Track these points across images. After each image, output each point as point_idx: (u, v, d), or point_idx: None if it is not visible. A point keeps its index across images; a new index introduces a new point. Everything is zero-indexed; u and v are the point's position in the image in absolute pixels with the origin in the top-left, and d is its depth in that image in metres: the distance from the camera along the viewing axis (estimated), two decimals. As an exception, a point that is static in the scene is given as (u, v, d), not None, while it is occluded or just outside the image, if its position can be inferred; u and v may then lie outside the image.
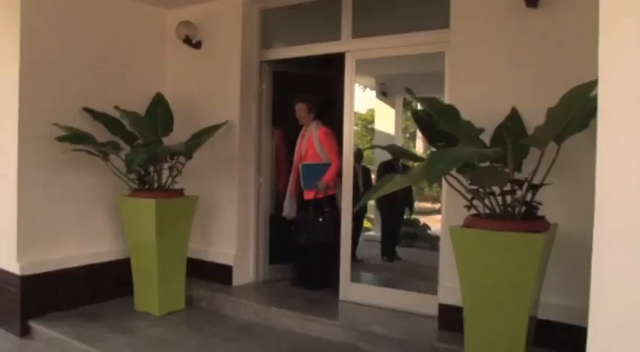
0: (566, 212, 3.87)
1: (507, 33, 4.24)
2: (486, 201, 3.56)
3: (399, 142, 7.21)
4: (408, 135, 7.62)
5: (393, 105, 7.22)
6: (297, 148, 5.91)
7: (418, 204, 7.42)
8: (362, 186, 6.25)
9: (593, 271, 2.00)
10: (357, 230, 6.10)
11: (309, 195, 5.78)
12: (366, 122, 7.17)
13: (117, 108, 5.31)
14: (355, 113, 5.53)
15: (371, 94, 6.93)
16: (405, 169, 6.21)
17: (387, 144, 4.21)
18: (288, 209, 5.95)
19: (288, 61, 6.03)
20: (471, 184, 3.59)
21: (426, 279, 5.22)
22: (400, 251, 6.75)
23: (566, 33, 3.99)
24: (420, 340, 4.36)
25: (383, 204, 6.77)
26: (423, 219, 6.99)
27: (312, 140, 5.80)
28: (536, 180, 3.54)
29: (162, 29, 6.28)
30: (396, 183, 3.11)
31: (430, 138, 4.02)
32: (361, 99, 6.19)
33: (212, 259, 5.98)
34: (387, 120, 7.17)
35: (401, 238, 6.98)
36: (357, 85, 5.53)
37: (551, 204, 3.73)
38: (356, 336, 4.64)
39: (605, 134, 1.99)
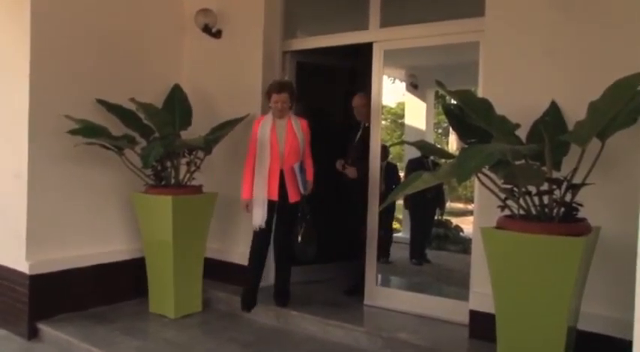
0: (611, 214, 3.76)
1: (547, 20, 4.13)
2: (521, 202, 3.47)
3: (431, 138, 7.11)
4: (440, 131, 7.52)
5: (424, 99, 7.12)
6: (269, 141, 5.12)
7: (450, 205, 7.31)
8: (384, 184, 6.15)
9: (638, 279, 1.93)
10: (386, 230, 6.04)
11: (295, 197, 5.23)
12: (396, 116, 7.08)
13: (133, 100, 5.30)
14: (384, 107, 5.45)
15: (400, 87, 6.84)
16: (436, 167, 6.12)
17: (416, 140, 4.14)
18: (261, 218, 5.17)
19: (312, 51, 5.98)
20: (504, 183, 3.51)
21: (456, 284, 5.14)
22: (430, 254, 6.65)
23: (613, 19, 3.87)
24: (448, 349, 4.30)
25: (410, 203, 6.68)
26: (455, 221, 6.89)
27: (293, 132, 5.18)
28: (577, 180, 3.44)
29: (181, 17, 6.27)
30: (424, 180, 3.05)
31: (462, 134, 3.94)
32: (390, 92, 6.11)
33: (231, 260, 5.96)
34: (417, 114, 7.07)
35: (431, 240, 6.89)
36: (385, 77, 5.47)
37: (593, 206, 3.62)
38: (381, 343, 4.58)
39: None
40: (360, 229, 5.53)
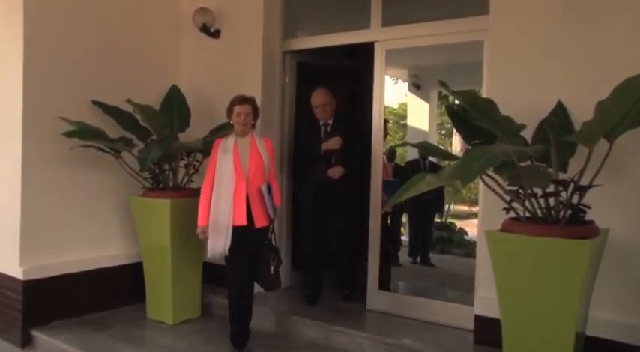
0: (620, 216, 3.73)
1: (553, 18, 4.10)
2: (527, 204, 3.45)
3: (434, 139, 7.08)
4: (443, 132, 7.49)
5: (427, 100, 7.09)
6: (232, 162, 4.67)
7: (454, 207, 7.28)
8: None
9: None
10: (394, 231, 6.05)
11: (262, 222, 4.73)
12: (399, 117, 7.06)
13: (129, 101, 5.28)
14: (386, 107, 5.43)
15: (403, 87, 6.82)
16: (433, 168, 6.07)
17: (418, 142, 4.12)
18: (223, 246, 4.65)
19: (313, 52, 5.96)
20: (509, 185, 3.48)
21: (461, 289, 5.11)
22: (434, 257, 6.63)
23: (620, 17, 3.85)
24: (453, 355, 4.27)
25: (408, 206, 6.64)
26: (459, 224, 6.86)
27: (257, 152, 4.75)
28: (585, 181, 3.41)
29: (178, 17, 6.25)
30: (427, 183, 3.03)
31: (465, 135, 3.92)
32: (392, 92, 6.09)
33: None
34: (420, 115, 7.04)
35: (434, 243, 6.86)
36: (387, 78, 5.44)
37: (601, 208, 3.58)
38: (384, 349, 4.56)
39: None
40: (349, 231, 5.56)
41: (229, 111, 4.80)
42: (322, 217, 5.62)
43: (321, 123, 5.61)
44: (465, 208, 7.18)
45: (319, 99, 5.55)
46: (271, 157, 4.85)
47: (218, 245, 4.64)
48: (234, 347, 4.72)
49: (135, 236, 5.56)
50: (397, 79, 6.57)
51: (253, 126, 4.88)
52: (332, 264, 5.78)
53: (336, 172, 5.47)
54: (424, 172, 3.15)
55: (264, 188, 4.71)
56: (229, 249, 4.62)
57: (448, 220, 7.23)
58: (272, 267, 4.74)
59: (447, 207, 7.25)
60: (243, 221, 4.61)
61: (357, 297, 5.55)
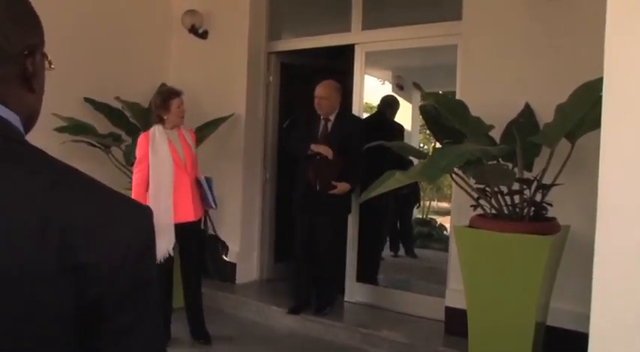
0: (581, 214, 3.78)
1: (522, 24, 4.18)
2: (493, 201, 3.51)
3: (417, 139, 7.14)
4: (427, 132, 7.55)
5: (410, 100, 7.15)
6: (170, 155, 4.33)
7: (438, 204, 7.35)
8: None
9: (595, 275, 1.97)
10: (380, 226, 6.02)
11: (200, 213, 4.51)
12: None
13: (118, 98, 5.32)
14: (372, 108, 5.47)
15: (388, 88, 6.87)
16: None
17: (395, 141, 4.17)
18: (167, 244, 4.25)
19: (298, 53, 6.01)
20: (477, 183, 3.55)
21: (437, 282, 5.16)
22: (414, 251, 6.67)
23: (584, 23, 3.91)
24: (424, 344, 4.34)
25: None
26: (440, 220, 6.92)
27: (187, 144, 4.48)
28: (548, 180, 3.48)
29: (168, 18, 6.28)
30: (397, 180, 3.09)
31: (437, 135, 3.98)
32: (379, 93, 6.15)
33: (215, 256, 5.97)
34: (403, 115, 7.10)
35: (415, 236, 6.90)
36: (375, 79, 5.48)
37: (564, 206, 3.67)
38: (359, 338, 4.62)
39: (608, 133, 1.95)
40: (336, 244, 5.14)
41: (165, 104, 4.36)
42: (311, 227, 5.04)
43: (321, 117, 5.09)
44: (446, 205, 7.24)
45: (317, 90, 5.05)
46: (196, 148, 4.62)
47: (161, 246, 4.12)
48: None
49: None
50: (384, 80, 6.62)
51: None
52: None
53: (342, 188, 4.89)
54: (394, 170, 3.21)
55: (202, 179, 4.50)
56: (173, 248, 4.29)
57: (429, 216, 7.30)
58: (223, 255, 4.52)
59: (428, 203, 7.32)
60: (189, 216, 4.33)
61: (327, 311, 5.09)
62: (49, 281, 0.77)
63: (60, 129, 5.02)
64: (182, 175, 4.36)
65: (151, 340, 0.88)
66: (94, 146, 5.28)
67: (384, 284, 5.87)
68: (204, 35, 6.02)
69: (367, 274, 5.53)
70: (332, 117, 5.06)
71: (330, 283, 5.18)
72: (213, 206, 4.57)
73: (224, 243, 4.59)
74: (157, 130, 4.38)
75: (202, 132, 5.47)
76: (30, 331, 0.78)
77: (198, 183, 4.50)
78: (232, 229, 5.86)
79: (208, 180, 4.56)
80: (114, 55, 5.77)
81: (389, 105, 5.99)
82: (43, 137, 4.80)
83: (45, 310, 0.77)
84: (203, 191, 4.50)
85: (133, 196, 4.23)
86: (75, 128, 5.12)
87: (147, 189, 4.32)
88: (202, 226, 4.57)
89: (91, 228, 0.81)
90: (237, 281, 5.83)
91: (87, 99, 5.42)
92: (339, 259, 5.30)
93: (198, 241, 4.48)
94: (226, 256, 4.57)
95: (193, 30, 5.92)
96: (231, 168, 5.86)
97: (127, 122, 5.51)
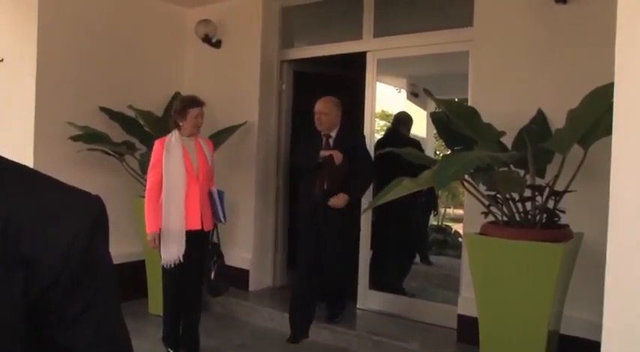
0: (595, 221, 3.68)
1: (534, 30, 4.11)
2: (504, 208, 3.44)
3: (432, 146, 7.07)
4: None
5: (424, 107, 7.09)
6: (183, 164, 4.29)
7: (454, 211, 7.25)
8: None
9: (607, 284, 1.91)
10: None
11: (210, 225, 4.47)
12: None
13: (130, 107, 5.33)
14: (387, 115, 5.41)
15: (404, 96, 6.83)
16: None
17: (406, 148, 4.10)
18: (177, 252, 4.26)
19: (310, 61, 5.98)
20: (487, 190, 3.48)
21: (451, 289, 5.08)
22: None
23: (596, 30, 3.84)
24: (435, 352, 4.26)
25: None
26: (455, 227, 6.83)
27: (203, 154, 4.42)
28: (561, 187, 3.40)
29: (182, 28, 6.28)
30: (404, 187, 3.03)
31: (448, 142, 3.92)
32: (394, 101, 6.10)
33: (228, 262, 5.90)
34: (418, 122, 7.04)
35: (430, 244, 6.82)
36: (392, 87, 5.43)
37: (578, 213, 3.58)
38: (371, 346, 4.56)
39: (619, 139, 1.88)
40: (343, 257, 4.95)
41: (182, 112, 4.34)
42: (318, 242, 4.82)
43: (322, 134, 4.89)
44: (461, 212, 7.15)
45: (317, 106, 4.88)
46: (214, 158, 4.57)
47: (172, 252, 4.24)
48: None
49: (137, 235, 5.57)
50: (400, 88, 6.58)
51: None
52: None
53: (339, 201, 4.69)
54: (402, 177, 3.15)
55: (214, 191, 4.45)
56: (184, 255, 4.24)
57: (444, 223, 7.21)
58: (212, 273, 4.40)
59: (443, 210, 7.23)
60: (198, 225, 4.30)
61: (338, 319, 5.03)
62: None
63: (75, 138, 5.05)
64: (193, 183, 4.31)
65: (106, 325, 0.88)
66: (109, 154, 5.28)
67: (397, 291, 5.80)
68: (217, 44, 6.01)
69: (393, 283, 5.51)
70: (333, 134, 4.87)
71: (340, 292, 5.11)
72: (223, 220, 4.50)
73: (222, 261, 4.49)
74: (173, 136, 4.36)
75: (215, 140, 5.43)
76: None
77: (210, 195, 4.44)
78: (245, 236, 5.84)
79: (220, 194, 4.48)
80: (128, 65, 5.78)
81: (402, 122, 5.89)
82: (59, 145, 4.85)
83: None
84: (214, 204, 4.44)
85: (146, 200, 4.35)
86: (89, 136, 5.13)
87: (160, 194, 4.30)
88: (211, 238, 4.49)
89: (33, 222, 0.80)
90: (250, 289, 5.79)
91: (102, 109, 5.42)
92: (348, 269, 5.18)
93: (200, 252, 4.39)
94: (216, 275, 4.41)
95: (207, 39, 5.91)
96: (244, 175, 5.84)
97: (141, 130, 5.51)
